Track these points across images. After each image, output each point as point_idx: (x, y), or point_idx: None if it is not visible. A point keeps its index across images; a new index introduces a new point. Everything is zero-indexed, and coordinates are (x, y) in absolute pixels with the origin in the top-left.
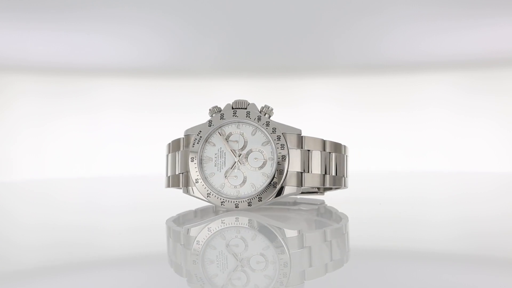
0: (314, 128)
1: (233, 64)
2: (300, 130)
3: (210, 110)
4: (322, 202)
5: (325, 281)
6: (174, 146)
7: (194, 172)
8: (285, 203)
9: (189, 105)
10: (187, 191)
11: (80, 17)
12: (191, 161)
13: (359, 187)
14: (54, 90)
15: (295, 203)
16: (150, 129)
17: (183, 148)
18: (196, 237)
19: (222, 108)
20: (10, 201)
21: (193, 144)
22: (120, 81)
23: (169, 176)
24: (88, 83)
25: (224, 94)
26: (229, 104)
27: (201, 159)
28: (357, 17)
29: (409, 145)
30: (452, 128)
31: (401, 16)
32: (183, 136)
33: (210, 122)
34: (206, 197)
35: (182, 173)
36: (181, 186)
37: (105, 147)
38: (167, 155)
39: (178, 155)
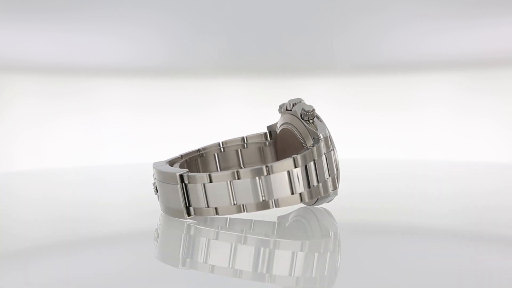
0: None
1: (233, 64)
2: None
3: (307, 112)
4: None
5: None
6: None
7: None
8: None
9: (189, 105)
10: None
11: (80, 17)
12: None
13: (358, 187)
14: (54, 90)
15: None
16: (150, 129)
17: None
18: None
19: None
20: (10, 201)
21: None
22: (120, 81)
23: (302, 193)
24: (88, 83)
25: (224, 94)
26: (296, 102)
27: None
28: (357, 17)
29: (409, 145)
30: (453, 128)
31: (401, 16)
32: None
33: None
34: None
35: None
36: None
37: (105, 147)
38: (295, 171)
39: (313, 165)
